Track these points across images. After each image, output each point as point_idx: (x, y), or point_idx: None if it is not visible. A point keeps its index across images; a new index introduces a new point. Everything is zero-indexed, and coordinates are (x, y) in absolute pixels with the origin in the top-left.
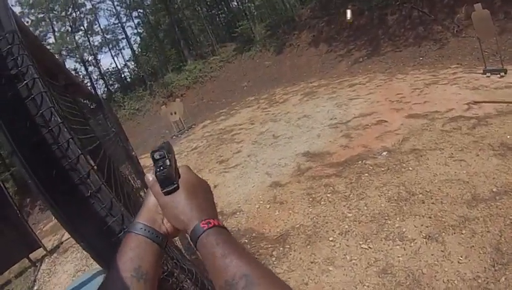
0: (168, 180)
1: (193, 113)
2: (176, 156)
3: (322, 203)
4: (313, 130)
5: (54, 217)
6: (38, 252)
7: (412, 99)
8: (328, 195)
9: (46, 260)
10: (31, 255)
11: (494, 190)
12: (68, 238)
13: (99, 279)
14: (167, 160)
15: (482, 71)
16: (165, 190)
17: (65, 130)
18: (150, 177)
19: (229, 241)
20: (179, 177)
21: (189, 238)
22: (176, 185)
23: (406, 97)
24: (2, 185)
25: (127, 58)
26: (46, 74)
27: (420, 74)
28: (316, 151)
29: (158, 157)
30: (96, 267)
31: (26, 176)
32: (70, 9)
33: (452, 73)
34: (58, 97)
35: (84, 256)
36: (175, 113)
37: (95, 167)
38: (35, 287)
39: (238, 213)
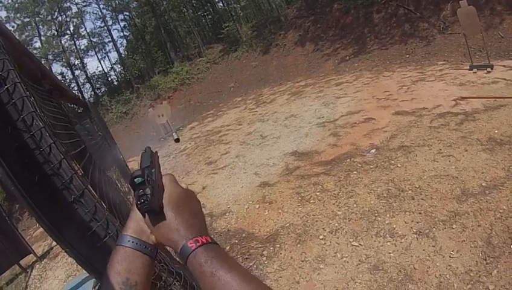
0: (151, 212)
1: (180, 115)
2: (160, 161)
3: (311, 201)
4: (301, 129)
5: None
6: (29, 258)
7: (399, 97)
8: (317, 193)
9: (37, 265)
10: (21, 262)
11: (483, 184)
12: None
13: (89, 283)
14: (147, 188)
15: (468, 67)
16: (147, 218)
17: (47, 134)
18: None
19: (217, 257)
20: (163, 190)
21: (179, 258)
22: (158, 211)
23: (393, 94)
24: None
25: (113, 61)
26: (30, 78)
27: (407, 71)
28: (304, 151)
29: (138, 182)
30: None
31: (9, 182)
32: (56, 13)
33: (439, 70)
34: (41, 102)
35: (74, 261)
36: (162, 115)
37: (80, 172)
38: None
39: (227, 214)
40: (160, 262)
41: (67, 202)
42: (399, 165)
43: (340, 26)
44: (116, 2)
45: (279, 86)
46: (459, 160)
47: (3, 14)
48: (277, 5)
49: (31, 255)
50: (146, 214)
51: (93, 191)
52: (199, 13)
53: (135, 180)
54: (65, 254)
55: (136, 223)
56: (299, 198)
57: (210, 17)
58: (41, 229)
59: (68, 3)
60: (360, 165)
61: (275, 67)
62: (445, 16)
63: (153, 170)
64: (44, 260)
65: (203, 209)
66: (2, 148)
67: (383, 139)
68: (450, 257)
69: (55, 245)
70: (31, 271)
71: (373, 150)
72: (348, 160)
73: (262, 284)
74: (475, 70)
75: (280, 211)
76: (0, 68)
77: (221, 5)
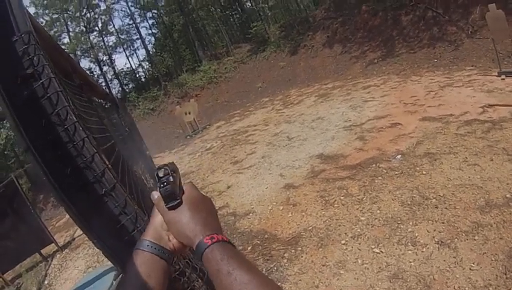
0: (172, 196)
1: (207, 114)
2: (186, 159)
3: (335, 206)
4: (327, 132)
5: (67, 214)
6: (50, 248)
7: (426, 102)
8: (342, 198)
9: (58, 255)
10: (42, 251)
11: (507, 195)
12: (80, 235)
13: (109, 276)
14: (170, 177)
15: (497, 73)
16: (168, 205)
17: (80, 128)
18: (155, 194)
19: (234, 257)
20: (183, 194)
21: (194, 253)
22: (179, 200)
23: (420, 100)
24: (16, 181)
25: (141, 58)
26: (62, 73)
27: (435, 75)
28: (330, 154)
29: (162, 175)
30: (107, 264)
31: (41, 173)
32: (84, 10)
33: (467, 75)
34: (72, 96)
35: (95, 253)
36: (189, 113)
37: (110, 166)
38: (46, 282)
39: (251, 214)
40: (184, 258)
41: (98, 194)
42: (424, 173)
43: (369, 28)
44: (145, 0)
45: (306, 88)
46: (484, 169)
47: (32, 10)
48: (305, 6)
49: (53, 244)
50: (165, 208)
51: (123, 187)
52: (227, 12)
53: (159, 171)
54: (87, 245)
55: (155, 230)
56: (323, 201)
57: (238, 16)
58: (64, 219)
59: (97, 1)
60: (385, 170)
61: (303, 69)
62: (473, 20)
63: (174, 173)
64: (66, 250)
65: (227, 208)
66: (36, 140)
67: (409, 145)
68: (470, 269)
69: (77, 236)
70: (52, 260)
71: (399, 156)
72: (374, 165)
73: (279, 288)
74: (503, 77)
75: (304, 213)
76: (35, 63)
77: (250, 4)
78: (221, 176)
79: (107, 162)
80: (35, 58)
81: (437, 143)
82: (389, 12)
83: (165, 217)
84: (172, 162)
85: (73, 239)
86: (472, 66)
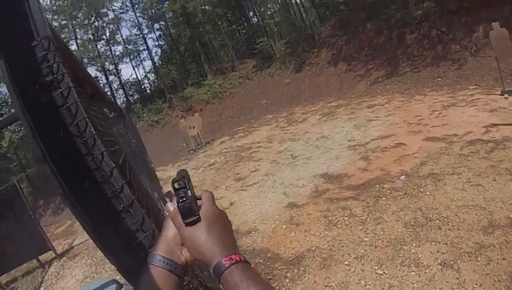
0: (190, 212)
1: (212, 129)
2: (192, 175)
3: (338, 226)
4: (332, 151)
5: (69, 222)
6: (48, 255)
7: (430, 122)
8: (345, 218)
9: (55, 262)
10: (40, 257)
11: (510, 215)
12: (79, 244)
13: (110, 288)
14: (188, 190)
15: (500, 92)
16: (186, 221)
17: (99, 142)
18: (171, 207)
19: (253, 278)
20: (200, 208)
21: (212, 273)
22: (197, 217)
23: (424, 119)
24: (17, 185)
25: (147, 69)
26: (75, 82)
27: (439, 95)
28: (334, 173)
29: (179, 187)
30: (106, 276)
31: (57, 184)
32: (93, 18)
33: (470, 94)
34: (87, 106)
35: (94, 263)
36: (193, 127)
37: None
38: (42, 289)
39: (253, 232)
40: (197, 277)
41: (116, 210)
42: (428, 193)
43: (373, 47)
44: (153, 11)
45: (311, 106)
46: (487, 190)
47: None
48: (311, 22)
49: (51, 251)
50: (182, 223)
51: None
52: (233, 27)
53: (176, 184)
54: (85, 254)
55: (167, 244)
56: (327, 221)
57: (244, 31)
58: (63, 227)
59: (105, 9)
60: (389, 191)
61: (308, 86)
62: (477, 38)
63: (189, 184)
64: (63, 258)
65: None
66: (52, 150)
67: (413, 165)
68: None
69: (76, 245)
70: (49, 267)
71: (403, 177)
72: (378, 185)
73: None
74: (506, 96)
75: (307, 233)
76: (54, 71)
77: (256, 20)
78: (224, 193)
79: (126, 178)
80: (54, 65)
81: (441, 163)
82: (394, 31)
83: (181, 233)
84: (185, 170)
85: (72, 247)
86: (475, 85)
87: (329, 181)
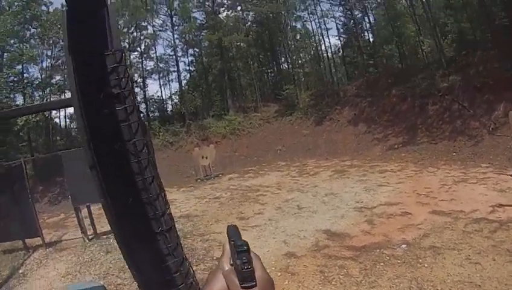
0: (251, 277)
1: (223, 163)
2: (195, 203)
3: (333, 283)
4: (338, 209)
5: (61, 215)
6: (34, 240)
7: (439, 195)
8: (341, 277)
9: (40, 250)
10: (27, 240)
11: None
12: (69, 240)
13: None
14: (249, 255)
15: (511, 173)
16: (244, 285)
17: (151, 165)
18: (226, 266)
19: None
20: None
21: None
22: (255, 283)
23: (433, 192)
24: (24, 165)
25: (173, 91)
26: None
27: (451, 169)
28: (337, 231)
29: (242, 249)
30: (94, 280)
31: (100, 193)
32: (132, 28)
33: (482, 172)
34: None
35: (79, 262)
36: (206, 157)
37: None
38: (21, 271)
39: None
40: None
41: (153, 231)
42: (426, 265)
43: (395, 113)
44: (190, 36)
45: (325, 161)
46: (485, 268)
47: None
48: (338, 79)
49: (38, 238)
50: (237, 284)
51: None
52: (263, 69)
53: (241, 246)
54: (72, 251)
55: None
56: (322, 277)
57: (273, 75)
58: (56, 218)
59: (146, 23)
60: (388, 257)
61: (325, 141)
62: (496, 117)
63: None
64: (49, 249)
65: None
66: (103, 159)
67: (415, 236)
68: None
69: (66, 240)
70: (33, 253)
71: (404, 245)
72: (378, 250)
73: None
74: None
75: (300, 284)
76: (123, 85)
77: (286, 66)
78: (224, 228)
79: (168, 204)
80: (123, 79)
81: (443, 237)
82: (417, 100)
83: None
84: (235, 225)
85: (61, 241)
86: (488, 163)
87: (331, 238)
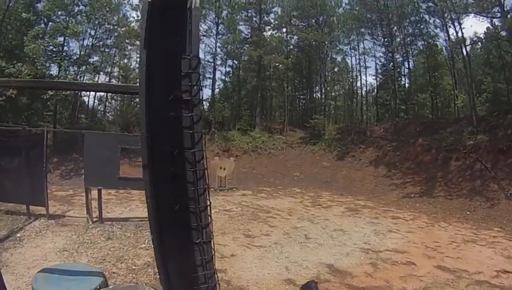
0: None
1: (239, 178)
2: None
3: None
4: (345, 247)
5: (70, 191)
6: (38, 209)
7: (446, 251)
8: None
9: (42, 220)
10: (31, 207)
11: None
12: (73, 217)
13: (95, 279)
14: None
15: None
16: None
17: (206, 177)
18: None
19: None
20: None
21: None
22: None
23: (441, 247)
24: (45, 134)
25: (205, 97)
26: None
27: (462, 227)
28: (339, 268)
29: None
30: (94, 265)
31: (148, 192)
32: None
33: (493, 236)
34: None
35: (79, 241)
36: (224, 169)
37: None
38: (18, 235)
39: None
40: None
41: (191, 241)
42: None
43: (417, 162)
44: (232, 47)
45: (340, 196)
46: None
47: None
48: (367, 118)
49: (43, 208)
50: None
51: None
52: (296, 94)
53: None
54: (73, 228)
55: None
56: None
57: (304, 102)
58: (63, 193)
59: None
60: None
61: (343, 177)
62: None
63: None
64: (51, 221)
65: (223, 273)
66: (158, 160)
67: (416, 287)
68: None
69: (70, 217)
70: (34, 220)
71: None
72: None
73: None
74: None
75: None
76: (194, 93)
77: (319, 96)
78: (230, 242)
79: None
80: (195, 87)
81: None
82: (441, 153)
83: None
84: (316, 282)
85: (64, 216)
86: (501, 227)
87: (332, 273)
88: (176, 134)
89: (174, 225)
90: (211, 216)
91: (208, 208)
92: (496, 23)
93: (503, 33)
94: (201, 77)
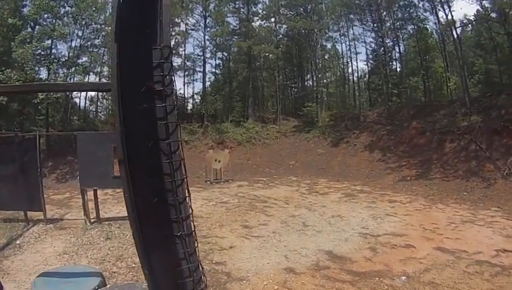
0: None
1: (235, 170)
2: (201, 205)
3: None
4: (343, 232)
5: (66, 194)
6: (36, 214)
7: (445, 233)
8: None
9: (40, 225)
10: (28, 213)
11: None
12: (71, 220)
13: (94, 280)
14: None
15: None
16: None
17: (183, 168)
18: None
19: None
20: None
21: None
22: None
23: (440, 229)
24: (38, 138)
25: (196, 90)
26: None
27: (460, 208)
28: (338, 254)
29: None
30: (91, 266)
31: (125, 187)
32: None
33: (491, 215)
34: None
35: (78, 244)
36: (219, 161)
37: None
38: (18, 241)
39: (244, 281)
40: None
41: (172, 233)
42: None
43: (412, 145)
44: (221, 40)
45: (336, 182)
46: None
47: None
48: (360, 103)
49: (40, 213)
50: None
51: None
52: (288, 83)
53: None
54: (72, 231)
55: None
56: None
57: (296, 90)
58: (60, 196)
59: (179, 20)
60: (386, 287)
61: (338, 163)
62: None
63: None
64: (50, 225)
65: (223, 266)
66: (133, 155)
67: (416, 269)
68: None
69: (68, 219)
70: (32, 226)
71: (403, 277)
72: (377, 278)
73: None
74: None
75: None
76: (166, 82)
77: (311, 83)
78: (228, 234)
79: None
80: (167, 77)
81: (443, 275)
82: (436, 135)
83: None
84: None
85: (62, 219)
86: (498, 207)
87: (332, 260)
88: (150, 126)
89: (154, 218)
90: (191, 207)
91: (187, 199)
92: (486, 5)
93: (494, 15)
94: (191, 71)
